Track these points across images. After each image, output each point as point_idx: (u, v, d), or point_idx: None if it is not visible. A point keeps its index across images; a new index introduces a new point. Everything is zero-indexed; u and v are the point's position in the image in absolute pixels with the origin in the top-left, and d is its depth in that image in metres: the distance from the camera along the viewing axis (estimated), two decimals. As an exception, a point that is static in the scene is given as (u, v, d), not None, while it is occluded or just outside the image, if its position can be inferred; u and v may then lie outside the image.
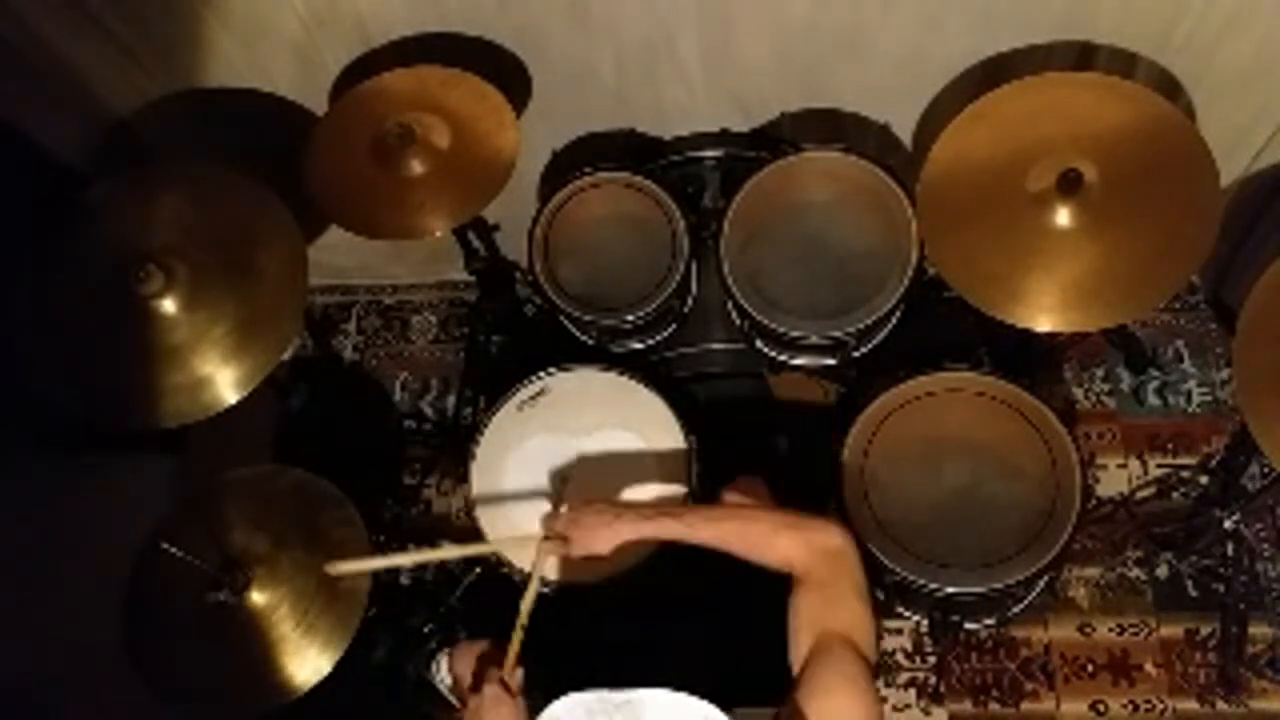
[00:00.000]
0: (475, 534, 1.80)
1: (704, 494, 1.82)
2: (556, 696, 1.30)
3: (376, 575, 1.75)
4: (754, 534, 1.29)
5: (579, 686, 1.20)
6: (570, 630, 1.80)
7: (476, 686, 1.34)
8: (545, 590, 1.77)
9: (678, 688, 1.06)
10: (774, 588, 1.30)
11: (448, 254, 2.35)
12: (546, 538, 1.47)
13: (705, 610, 1.92)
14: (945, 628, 2.01)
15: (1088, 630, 2.20)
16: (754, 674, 1.23)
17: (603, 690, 1.05)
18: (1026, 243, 1.61)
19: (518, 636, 1.38)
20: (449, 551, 1.93)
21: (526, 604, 1.41)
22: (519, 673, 1.34)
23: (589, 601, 1.78)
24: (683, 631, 1.89)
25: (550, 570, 1.69)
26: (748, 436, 2.29)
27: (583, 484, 1.79)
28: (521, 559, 1.75)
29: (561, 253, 1.99)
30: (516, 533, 1.76)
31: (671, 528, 1.36)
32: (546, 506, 1.77)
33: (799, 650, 1.16)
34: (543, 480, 1.81)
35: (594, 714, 1.02)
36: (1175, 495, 2.26)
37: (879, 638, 2.17)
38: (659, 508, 1.43)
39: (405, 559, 1.91)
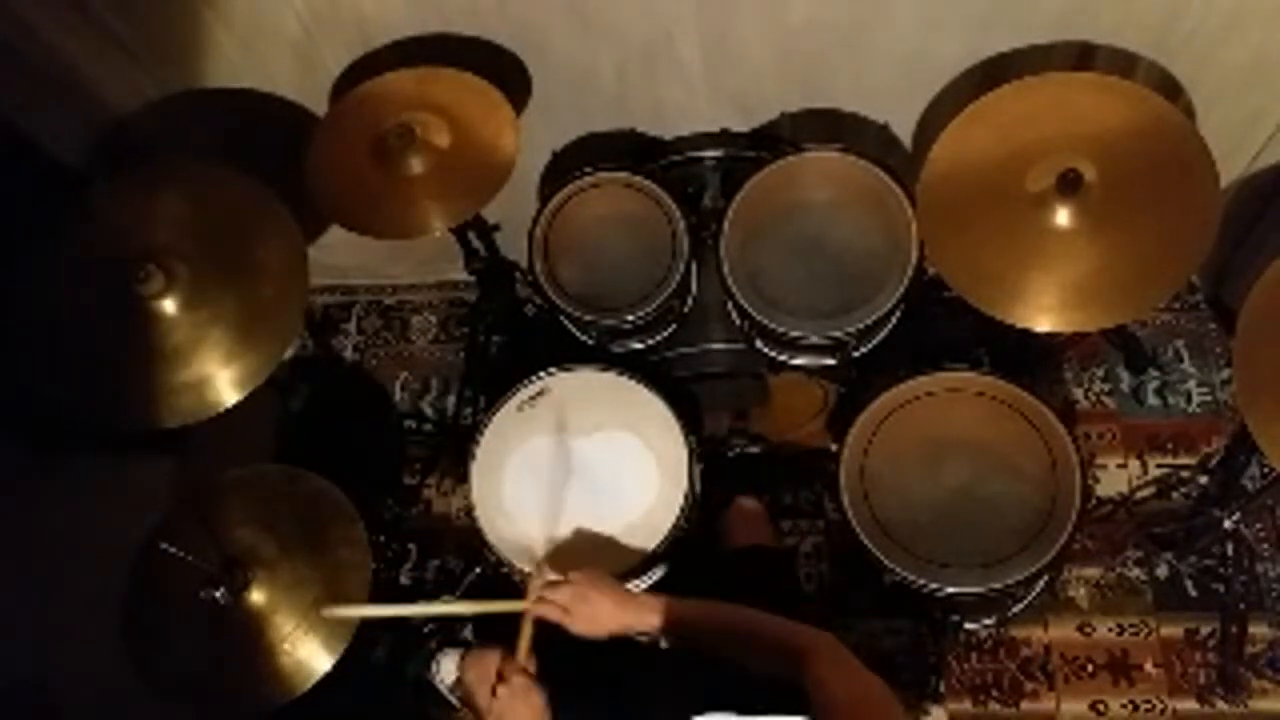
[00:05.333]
0: (476, 534, 1.80)
1: (704, 494, 1.82)
2: (564, 698, 1.31)
3: (377, 575, 1.75)
4: (769, 631, 1.28)
5: (583, 689, 1.20)
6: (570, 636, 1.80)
7: (502, 678, 1.34)
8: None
9: (675, 696, 1.05)
10: (774, 597, 1.31)
11: (448, 254, 2.35)
12: (540, 592, 1.40)
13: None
14: (945, 628, 2.02)
15: (1088, 630, 2.20)
16: (752, 682, 1.23)
17: (734, 716, 1.04)
18: (1026, 243, 1.61)
19: (528, 627, 1.37)
20: (454, 608, 1.83)
21: (532, 595, 1.40)
22: (533, 661, 1.35)
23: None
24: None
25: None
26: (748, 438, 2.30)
27: (582, 486, 1.79)
28: (516, 557, 1.74)
29: (561, 253, 1.99)
30: (513, 527, 1.76)
31: (679, 626, 1.34)
32: (547, 506, 1.77)
33: (834, 700, 1.14)
34: (543, 481, 1.80)
35: None
36: (1175, 495, 2.26)
37: (877, 636, 2.17)
38: (672, 604, 1.37)
39: (402, 611, 1.85)
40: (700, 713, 1.07)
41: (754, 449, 2.30)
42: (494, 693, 1.34)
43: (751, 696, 1.10)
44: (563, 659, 1.37)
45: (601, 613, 1.36)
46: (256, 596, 1.69)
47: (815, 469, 2.38)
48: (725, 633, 1.32)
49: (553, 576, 1.42)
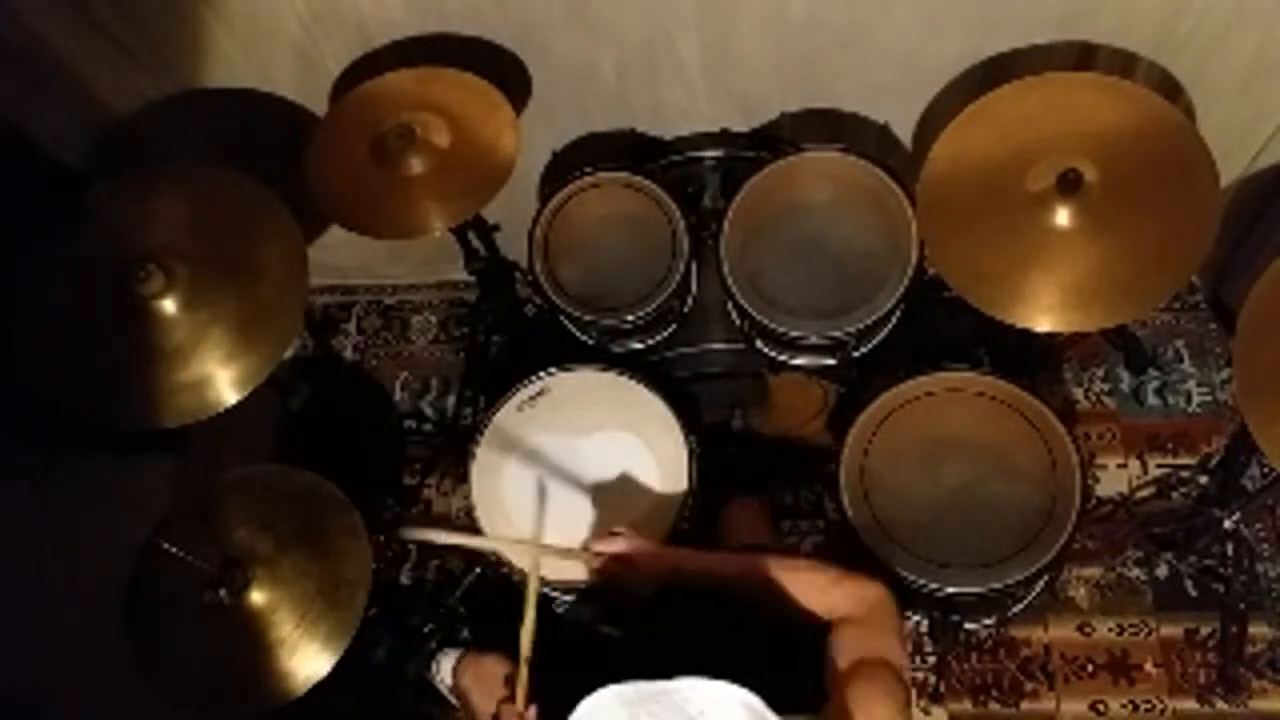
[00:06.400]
0: (476, 534, 1.80)
1: (702, 496, 1.82)
2: (566, 699, 1.30)
3: (376, 575, 1.75)
4: (804, 585, 1.32)
5: (587, 689, 1.20)
6: (577, 632, 1.80)
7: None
8: (557, 599, 1.77)
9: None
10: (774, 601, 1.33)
11: (448, 254, 2.35)
12: (593, 552, 1.47)
13: (715, 612, 1.92)
14: (945, 628, 2.02)
15: (1087, 630, 2.20)
16: (766, 678, 1.23)
17: (638, 682, 1.03)
18: (1026, 243, 1.61)
19: (523, 674, 1.35)
20: (499, 544, 1.85)
21: (527, 637, 1.38)
22: (532, 710, 1.33)
23: (598, 603, 1.78)
24: (693, 634, 1.90)
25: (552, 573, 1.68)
26: (748, 438, 2.30)
27: (583, 486, 1.79)
28: (516, 556, 1.75)
29: (561, 253, 1.99)
30: (511, 530, 1.76)
31: (726, 574, 1.40)
32: (547, 508, 1.77)
33: (837, 670, 1.18)
34: (543, 481, 1.80)
35: (631, 705, 1.00)
36: (1175, 495, 2.25)
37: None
38: (715, 554, 1.46)
39: (477, 542, 1.85)
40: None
41: (754, 449, 2.31)
42: None
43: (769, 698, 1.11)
44: (562, 665, 1.37)
45: (660, 563, 1.40)
46: (257, 596, 1.68)
47: (815, 469, 2.38)
48: (763, 591, 1.34)
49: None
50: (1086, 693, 2.15)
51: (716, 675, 1.01)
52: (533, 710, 1.33)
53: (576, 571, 1.64)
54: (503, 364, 2.58)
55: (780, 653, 1.32)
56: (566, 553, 1.56)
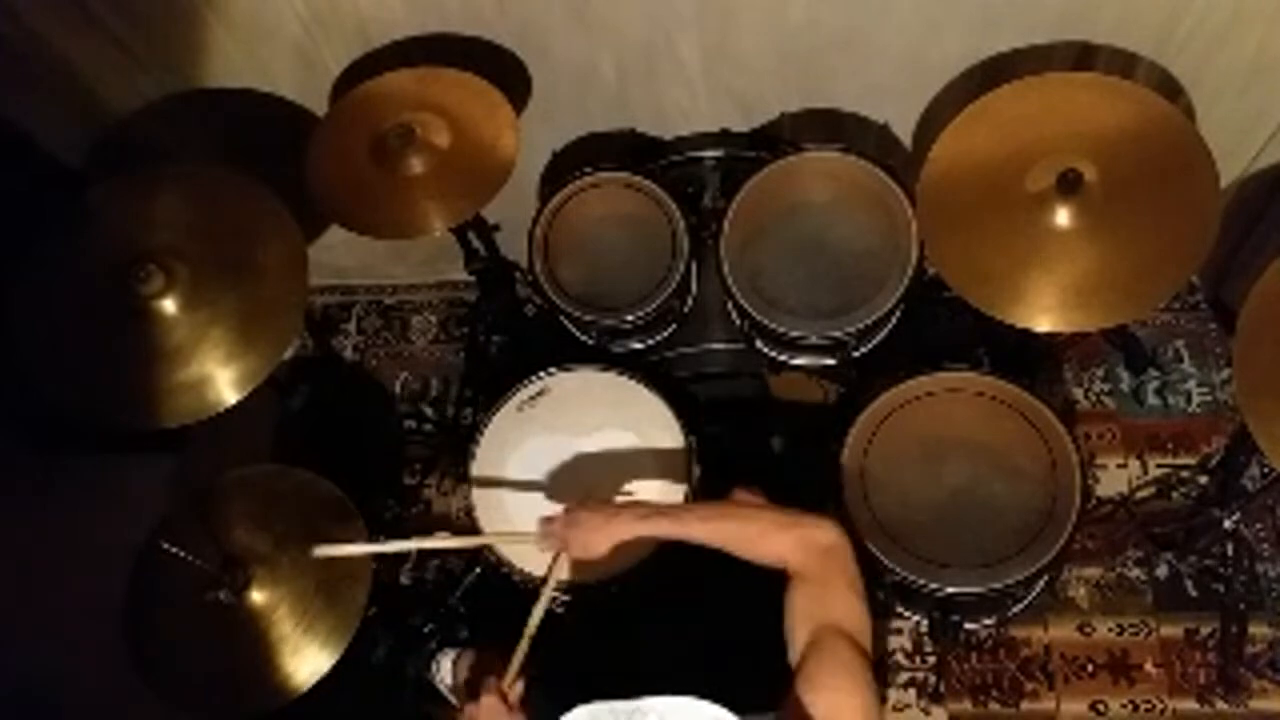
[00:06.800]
0: (474, 534, 1.80)
1: (704, 495, 1.82)
2: (556, 700, 1.31)
3: (377, 575, 1.75)
4: (748, 532, 1.29)
5: (578, 690, 1.20)
6: (569, 634, 1.80)
7: (475, 694, 1.33)
8: (557, 599, 1.77)
9: (677, 692, 1.05)
10: (773, 588, 1.31)
11: (448, 254, 2.35)
12: (541, 531, 1.48)
13: (703, 614, 1.93)
14: (945, 628, 2.01)
15: (1087, 630, 2.20)
16: (754, 677, 1.23)
17: (613, 701, 1.03)
18: (1026, 243, 1.61)
19: (522, 649, 1.36)
20: (442, 541, 1.95)
21: (535, 617, 1.40)
22: (519, 685, 1.33)
23: (587, 605, 1.78)
24: (680, 635, 1.90)
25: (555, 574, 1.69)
26: (747, 437, 2.30)
27: (583, 485, 1.79)
28: (516, 556, 1.75)
29: (561, 253, 1.99)
30: (511, 529, 1.76)
31: (666, 527, 1.37)
32: (547, 506, 1.77)
33: (795, 646, 1.16)
34: (543, 481, 1.81)
35: None
36: (1175, 495, 2.26)
37: (877, 637, 2.17)
38: (654, 506, 1.44)
39: (396, 546, 1.91)
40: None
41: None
42: (463, 709, 1.34)
43: (751, 693, 1.10)
44: (560, 666, 1.37)
45: (593, 534, 1.39)
46: (257, 596, 1.69)
47: (815, 469, 2.38)
48: (714, 540, 1.32)
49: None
50: (1086, 693, 2.15)
51: (694, 685, 1.01)
52: (519, 686, 1.33)
53: (576, 574, 1.64)
54: (503, 364, 2.58)
55: (758, 644, 1.32)
56: (515, 536, 1.54)
